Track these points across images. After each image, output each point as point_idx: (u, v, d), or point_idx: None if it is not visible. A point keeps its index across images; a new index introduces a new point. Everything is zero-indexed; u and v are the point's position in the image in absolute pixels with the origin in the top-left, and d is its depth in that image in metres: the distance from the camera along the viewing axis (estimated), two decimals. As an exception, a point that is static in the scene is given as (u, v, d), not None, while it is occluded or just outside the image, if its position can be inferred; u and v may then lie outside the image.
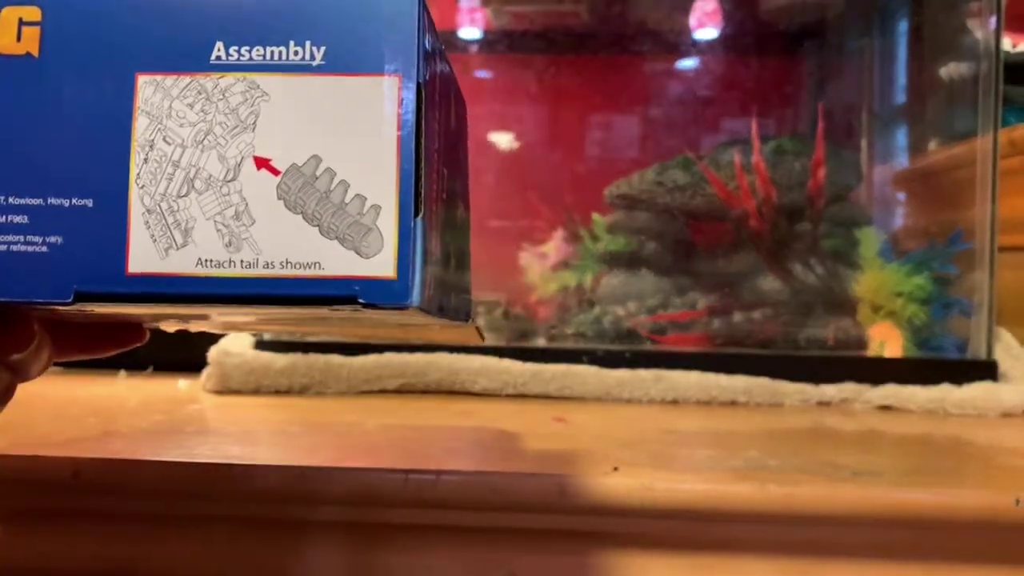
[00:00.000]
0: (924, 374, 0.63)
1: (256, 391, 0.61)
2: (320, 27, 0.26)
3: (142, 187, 0.25)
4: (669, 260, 0.75)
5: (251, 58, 0.26)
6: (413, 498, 0.38)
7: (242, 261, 0.25)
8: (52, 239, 0.25)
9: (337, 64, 0.25)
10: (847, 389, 0.62)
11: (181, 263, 0.25)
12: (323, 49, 0.25)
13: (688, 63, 0.85)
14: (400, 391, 0.63)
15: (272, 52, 0.25)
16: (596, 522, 0.38)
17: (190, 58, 0.26)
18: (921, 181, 0.81)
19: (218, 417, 0.53)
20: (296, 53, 0.25)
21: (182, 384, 0.64)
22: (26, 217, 0.25)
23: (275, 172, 0.25)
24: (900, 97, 0.83)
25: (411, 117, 0.25)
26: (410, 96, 0.25)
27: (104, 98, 0.26)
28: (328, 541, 0.39)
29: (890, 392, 0.62)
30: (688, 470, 0.39)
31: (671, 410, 0.60)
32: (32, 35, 0.26)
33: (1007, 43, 0.90)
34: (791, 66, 0.87)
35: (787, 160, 0.71)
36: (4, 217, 0.26)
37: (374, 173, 0.25)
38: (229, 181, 0.25)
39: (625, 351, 0.65)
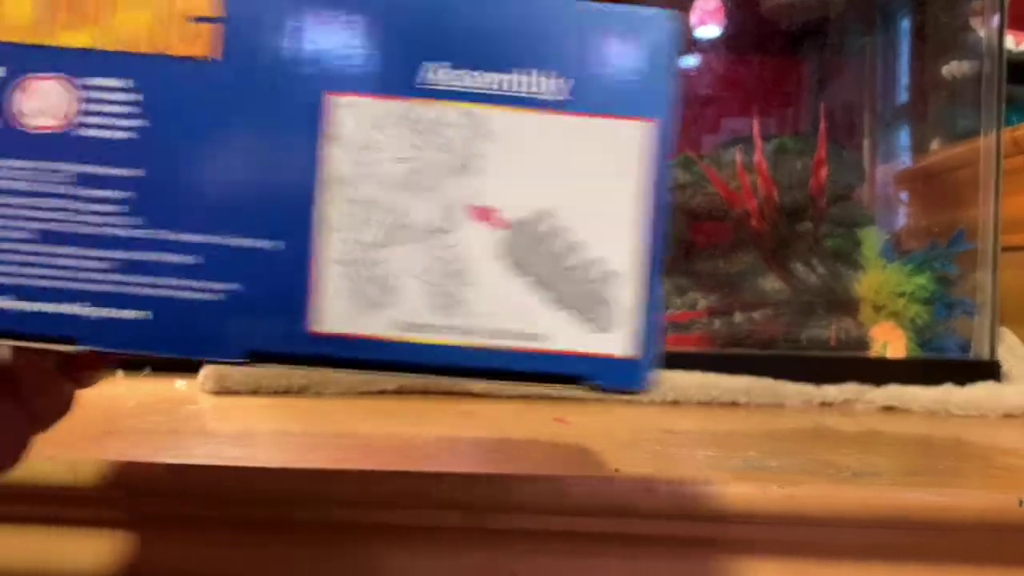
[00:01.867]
0: (927, 374, 0.63)
1: (255, 392, 0.61)
2: (563, 57, 0.21)
3: (335, 232, 0.21)
4: (669, 260, 0.75)
5: (471, 86, 0.21)
6: (414, 499, 0.38)
7: (453, 327, 0.21)
8: (228, 286, 0.22)
9: (581, 102, 0.21)
10: (849, 390, 0.62)
11: (378, 325, 0.21)
12: (567, 83, 0.21)
13: (689, 62, 0.85)
14: (399, 392, 0.63)
15: (501, 80, 0.21)
16: (597, 523, 0.38)
17: (393, 79, 0.21)
18: (923, 181, 0.80)
19: (216, 418, 0.53)
20: (531, 85, 0.21)
21: (180, 384, 0.64)
22: (199, 257, 0.22)
23: (498, 225, 0.21)
24: (903, 96, 0.83)
25: (663, 170, 0.21)
26: (663, 146, 0.21)
27: (291, 120, 0.22)
28: (328, 543, 0.39)
29: (893, 393, 0.62)
30: (689, 471, 0.39)
31: (672, 410, 0.59)
32: (210, 34, 0.22)
33: (1010, 42, 0.90)
34: (793, 65, 0.87)
35: (789, 159, 0.71)
36: (173, 256, 0.22)
37: (615, 233, 0.21)
38: (441, 232, 0.21)
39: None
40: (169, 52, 0.22)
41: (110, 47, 0.22)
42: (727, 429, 0.52)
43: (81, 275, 0.22)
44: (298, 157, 0.22)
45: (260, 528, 0.40)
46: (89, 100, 0.22)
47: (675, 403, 0.62)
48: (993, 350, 0.66)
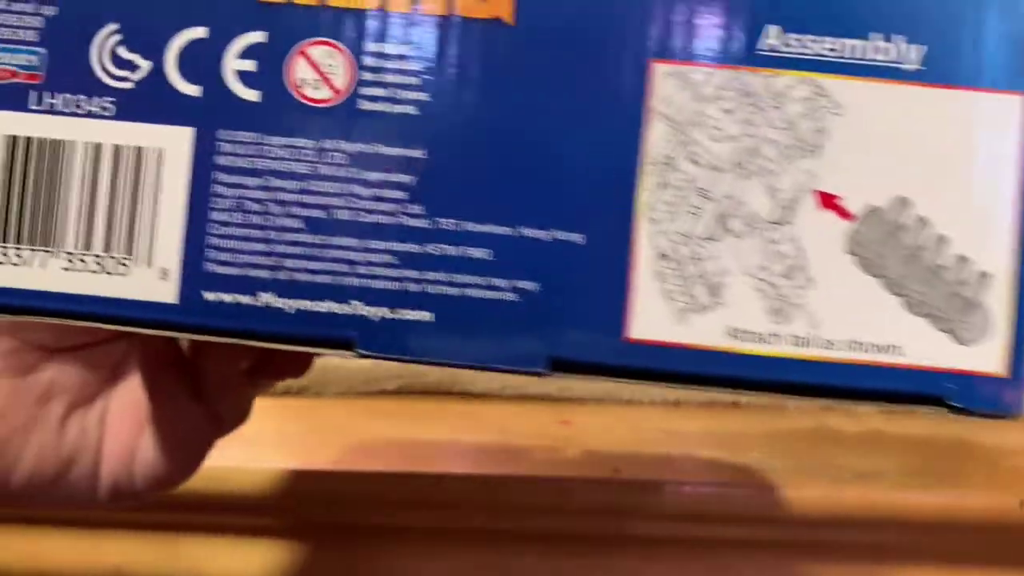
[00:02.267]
0: (928, 375, 0.62)
1: (255, 392, 0.61)
2: (918, 18, 0.19)
3: (655, 222, 0.19)
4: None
5: (818, 52, 0.19)
6: (414, 501, 0.37)
7: (791, 336, 0.19)
8: (524, 285, 0.19)
9: (939, 72, 0.19)
10: (850, 390, 0.62)
11: (704, 332, 0.19)
12: (921, 49, 0.19)
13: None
14: (399, 392, 0.63)
15: (848, 46, 0.19)
16: (598, 525, 0.38)
17: (730, 43, 0.19)
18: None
19: (217, 418, 0.52)
20: (883, 51, 0.19)
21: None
22: (490, 252, 0.19)
23: (846, 216, 0.19)
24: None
25: None
26: None
27: (605, 92, 0.19)
28: (328, 544, 0.39)
29: (894, 393, 0.62)
30: (690, 472, 0.39)
31: (673, 411, 0.59)
32: None
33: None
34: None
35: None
36: (458, 248, 0.19)
37: (985, 228, 0.18)
38: (780, 224, 0.19)
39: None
40: (456, 13, 0.19)
41: (389, 7, 0.19)
42: (729, 430, 0.52)
43: (354, 269, 0.19)
44: (614, 135, 0.19)
45: (259, 530, 0.40)
46: (366, 68, 0.19)
47: (676, 403, 0.62)
48: (994, 350, 0.66)
